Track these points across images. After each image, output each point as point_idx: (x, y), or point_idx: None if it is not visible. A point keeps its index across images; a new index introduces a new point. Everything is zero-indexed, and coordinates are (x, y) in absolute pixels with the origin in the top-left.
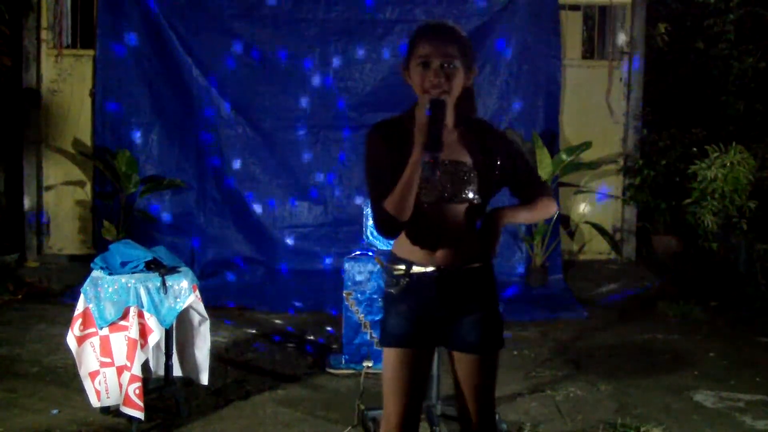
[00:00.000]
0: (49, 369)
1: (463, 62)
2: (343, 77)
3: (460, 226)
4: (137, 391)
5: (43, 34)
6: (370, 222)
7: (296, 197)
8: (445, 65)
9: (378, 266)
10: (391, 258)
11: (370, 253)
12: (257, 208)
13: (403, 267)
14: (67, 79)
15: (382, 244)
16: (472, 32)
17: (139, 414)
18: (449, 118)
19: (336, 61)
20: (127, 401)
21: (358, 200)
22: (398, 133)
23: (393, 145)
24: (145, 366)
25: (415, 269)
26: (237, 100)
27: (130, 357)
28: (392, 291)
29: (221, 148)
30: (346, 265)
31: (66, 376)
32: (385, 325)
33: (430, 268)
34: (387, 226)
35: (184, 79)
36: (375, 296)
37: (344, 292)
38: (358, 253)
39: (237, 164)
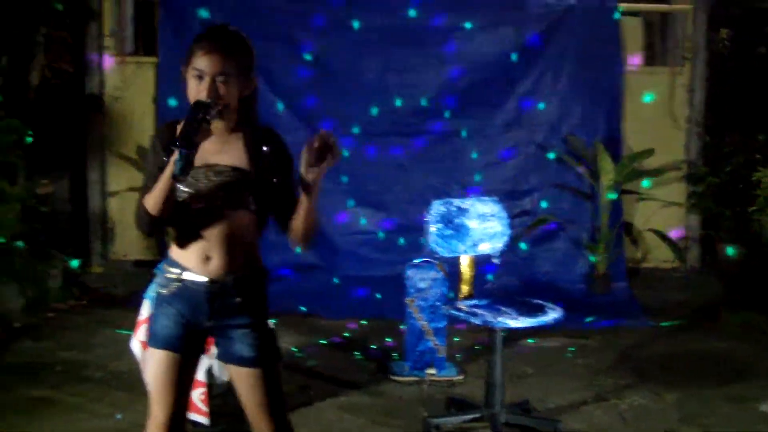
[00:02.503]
0: (114, 374)
1: (240, 74)
2: (402, 83)
3: (235, 233)
4: (202, 397)
5: (106, 42)
6: (433, 229)
7: (358, 203)
8: (218, 79)
9: (441, 273)
10: (168, 259)
11: (433, 260)
12: (320, 214)
13: (176, 271)
14: (129, 86)
15: (445, 251)
16: (531, 40)
17: (203, 419)
18: (222, 124)
19: (393, 68)
20: (191, 406)
21: (420, 206)
22: (172, 134)
23: (162, 146)
24: (209, 372)
25: (186, 276)
26: (296, 106)
27: None
28: (164, 292)
29: None
30: (409, 272)
31: (131, 381)
32: (154, 324)
33: (202, 278)
34: (143, 222)
35: None
36: (438, 303)
37: (407, 299)
38: (420, 260)
39: (295, 170)
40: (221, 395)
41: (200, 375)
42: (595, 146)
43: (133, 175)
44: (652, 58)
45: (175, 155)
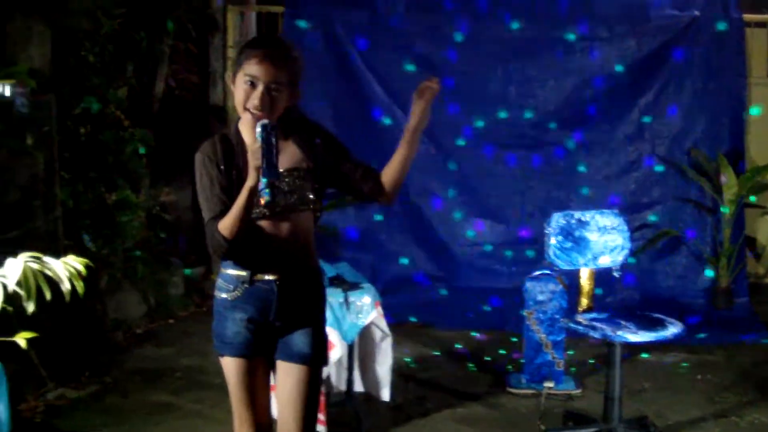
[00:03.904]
0: None
1: (291, 85)
2: (525, 95)
3: (298, 233)
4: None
5: (229, 53)
6: (553, 241)
7: (478, 215)
8: (271, 88)
9: (560, 286)
10: (231, 264)
11: (552, 273)
12: (439, 226)
13: (243, 273)
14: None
15: (564, 263)
16: (655, 50)
17: (321, 428)
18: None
19: (517, 80)
20: None
21: (540, 219)
22: (224, 150)
23: (220, 163)
24: (327, 381)
25: (255, 277)
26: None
27: None
28: (228, 297)
29: None
30: (528, 285)
31: None
32: (223, 332)
33: (271, 277)
34: (220, 247)
35: (364, 95)
36: (557, 316)
37: (525, 311)
38: (539, 272)
39: (418, 182)
40: (338, 404)
41: None
42: (717, 159)
43: None
44: None
45: (252, 183)
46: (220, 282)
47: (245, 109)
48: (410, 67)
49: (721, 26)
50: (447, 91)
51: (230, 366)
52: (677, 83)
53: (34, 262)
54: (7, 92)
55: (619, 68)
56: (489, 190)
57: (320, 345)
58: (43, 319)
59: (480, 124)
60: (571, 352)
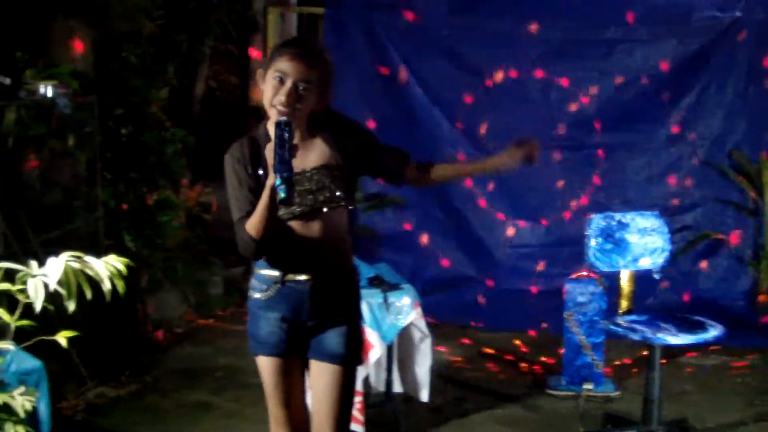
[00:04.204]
0: None
1: (320, 85)
2: (567, 96)
3: (331, 232)
4: (358, 406)
5: (270, 54)
6: (593, 243)
7: (518, 217)
8: (300, 86)
9: (600, 288)
10: (264, 264)
11: (593, 275)
12: (479, 227)
13: (276, 273)
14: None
15: (604, 265)
16: (696, 51)
17: (359, 428)
18: (298, 132)
19: (557, 80)
20: None
21: (580, 220)
22: (251, 151)
23: (247, 164)
24: (365, 381)
25: (288, 277)
26: (461, 120)
27: None
28: (262, 297)
29: None
30: (568, 286)
31: None
32: (257, 332)
33: (304, 277)
34: (249, 248)
35: (407, 100)
36: (597, 318)
37: (565, 313)
38: (580, 274)
39: (458, 184)
40: (377, 405)
41: (357, 384)
42: (759, 160)
43: None
44: None
45: (273, 181)
46: (253, 282)
47: (272, 105)
48: (451, 68)
49: (764, 27)
50: (487, 92)
51: (265, 365)
52: (719, 84)
53: (75, 261)
54: (50, 93)
55: (660, 69)
56: (530, 191)
57: (354, 344)
58: (84, 318)
59: (520, 126)
60: (614, 355)
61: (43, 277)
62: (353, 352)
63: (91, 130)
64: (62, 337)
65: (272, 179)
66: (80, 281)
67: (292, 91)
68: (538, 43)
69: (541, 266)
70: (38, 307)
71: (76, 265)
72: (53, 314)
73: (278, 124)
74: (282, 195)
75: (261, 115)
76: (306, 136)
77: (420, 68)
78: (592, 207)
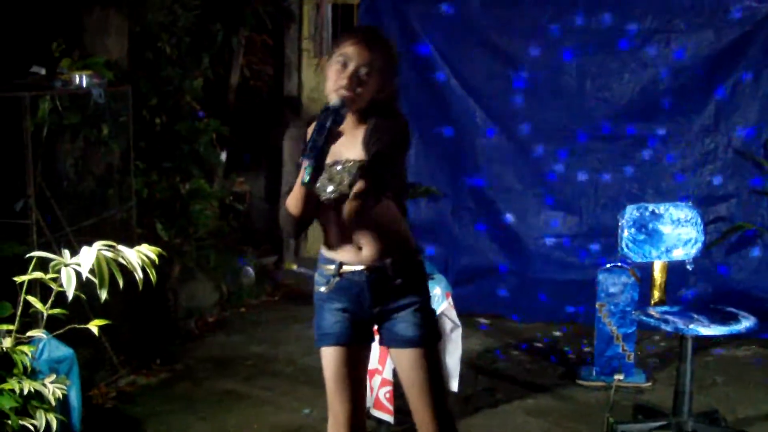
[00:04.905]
0: (303, 369)
1: (382, 72)
2: (600, 88)
3: (381, 220)
4: (387, 395)
5: (304, 44)
6: (626, 233)
7: (550, 207)
8: (361, 71)
9: (632, 278)
10: (322, 258)
11: (625, 265)
12: (511, 218)
13: (333, 266)
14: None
15: (637, 256)
16: (732, 42)
17: (389, 417)
18: (353, 117)
19: (592, 72)
20: (377, 404)
21: (614, 211)
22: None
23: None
24: (395, 371)
25: (344, 269)
26: (492, 110)
27: (382, 361)
28: (324, 290)
29: (476, 157)
30: (600, 277)
31: (319, 377)
32: (321, 324)
33: (359, 267)
34: (286, 224)
35: (440, 90)
36: (628, 309)
37: (597, 303)
38: (612, 264)
39: (492, 174)
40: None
41: (387, 374)
42: None
43: None
44: None
45: (305, 163)
46: (317, 276)
47: (333, 89)
48: (486, 59)
49: None
50: (522, 83)
51: (328, 356)
52: (755, 75)
53: (107, 250)
54: (85, 83)
55: (696, 60)
56: (563, 181)
57: (425, 325)
58: (116, 307)
59: (551, 116)
60: (646, 345)
61: (76, 266)
62: (426, 332)
63: (125, 119)
64: (94, 326)
65: (305, 163)
66: (113, 270)
67: (354, 75)
68: (574, 34)
69: (573, 257)
70: (70, 295)
71: (109, 254)
72: (85, 303)
73: (325, 109)
74: (305, 179)
75: (296, 105)
76: (357, 124)
77: (455, 59)
78: (626, 197)
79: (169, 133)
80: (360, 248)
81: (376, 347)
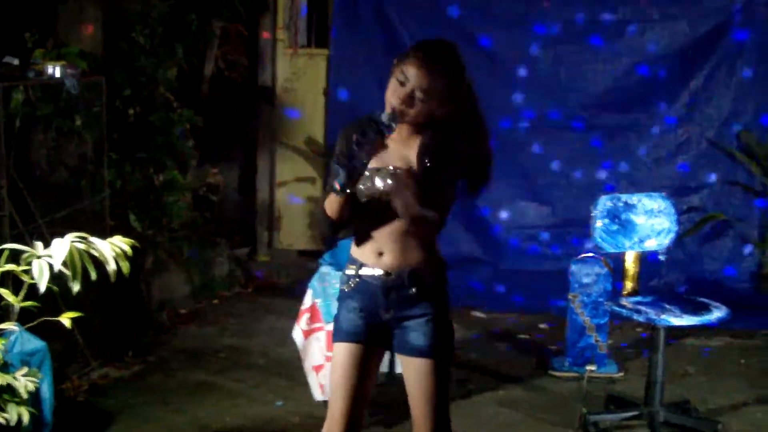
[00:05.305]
0: (276, 361)
1: (442, 97)
2: (575, 77)
3: (408, 230)
4: None
5: (279, 34)
6: (599, 224)
7: (524, 198)
8: (417, 94)
9: (605, 269)
10: (349, 257)
11: (597, 256)
12: (483, 208)
13: (354, 267)
14: (301, 78)
15: (610, 246)
16: (707, 33)
17: None
18: (406, 127)
19: (567, 61)
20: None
21: (587, 201)
22: (359, 131)
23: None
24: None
25: (363, 271)
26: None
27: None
28: (345, 289)
29: None
30: (573, 267)
31: (291, 369)
32: (339, 321)
33: (378, 271)
34: (323, 224)
35: None
36: (601, 299)
37: (570, 294)
38: (585, 255)
39: None
40: (380, 385)
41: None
42: (767, 142)
43: (301, 167)
44: None
45: (340, 172)
46: (342, 276)
47: (388, 101)
48: (462, 49)
49: None
50: (496, 74)
51: (339, 352)
52: (729, 66)
53: (80, 242)
54: (58, 73)
55: (670, 50)
56: (535, 172)
57: (437, 337)
58: (88, 299)
59: (525, 105)
60: (618, 336)
61: (48, 258)
62: (437, 344)
63: (99, 110)
64: (66, 318)
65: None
66: (85, 262)
67: (408, 98)
68: (549, 24)
69: (545, 247)
70: (42, 287)
71: (81, 245)
72: (57, 295)
73: (369, 119)
74: (338, 185)
75: (270, 95)
76: (410, 133)
77: None
78: (599, 188)
79: (142, 123)
80: (381, 254)
81: None
